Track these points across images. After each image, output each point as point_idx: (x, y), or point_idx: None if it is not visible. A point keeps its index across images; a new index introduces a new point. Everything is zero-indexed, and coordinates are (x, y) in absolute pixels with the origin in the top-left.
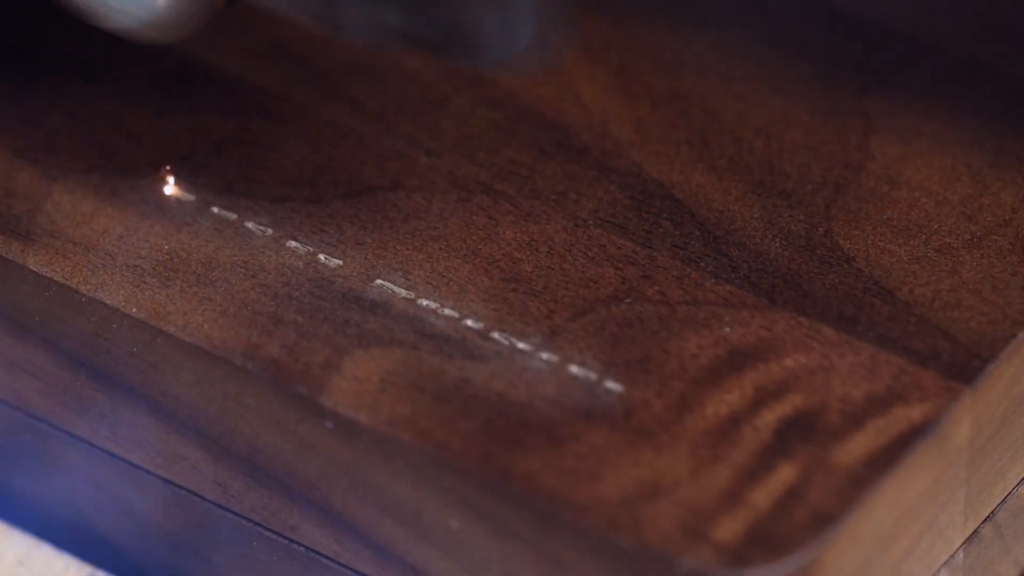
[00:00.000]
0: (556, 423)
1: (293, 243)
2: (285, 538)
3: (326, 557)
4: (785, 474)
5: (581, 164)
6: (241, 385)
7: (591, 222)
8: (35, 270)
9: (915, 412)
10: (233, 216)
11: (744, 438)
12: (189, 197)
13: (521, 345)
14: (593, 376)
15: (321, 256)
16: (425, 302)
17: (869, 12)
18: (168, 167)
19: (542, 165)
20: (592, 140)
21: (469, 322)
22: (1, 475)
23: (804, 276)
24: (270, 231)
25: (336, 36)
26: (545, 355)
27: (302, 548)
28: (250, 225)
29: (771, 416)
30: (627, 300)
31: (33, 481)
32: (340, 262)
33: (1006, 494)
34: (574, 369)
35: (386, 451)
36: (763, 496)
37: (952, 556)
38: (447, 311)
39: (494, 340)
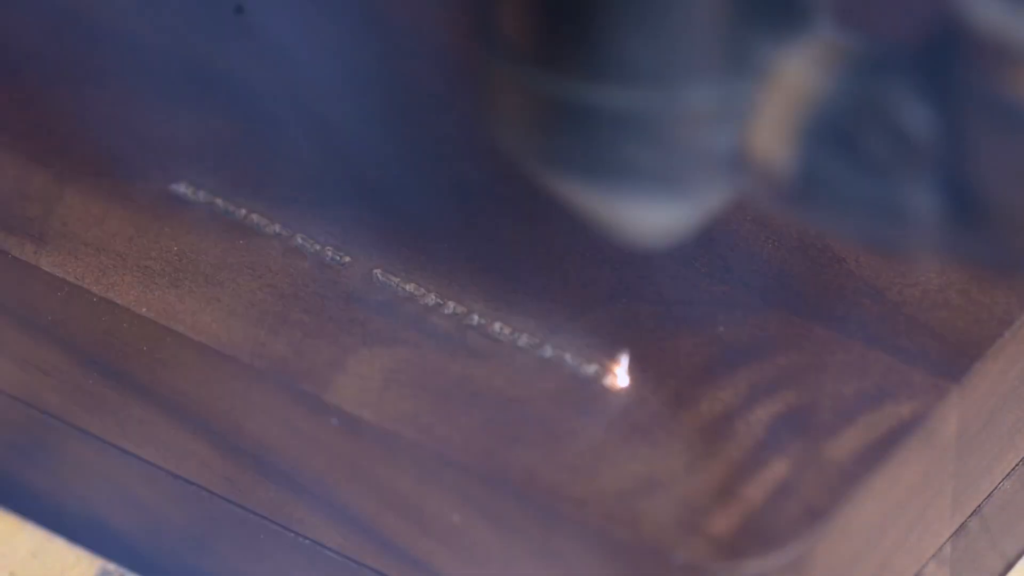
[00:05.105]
0: (555, 420)
1: (299, 244)
2: (291, 531)
3: (331, 550)
4: (777, 469)
5: None
6: (248, 382)
7: (589, 224)
8: (48, 271)
9: (904, 409)
10: (240, 218)
11: (738, 434)
12: (197, 200)
13: (521, 343)
14: (591, 374)
15: (326, 257)
16: (427, 302)
17: (861, 18)
18: (177, 170)
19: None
20: None
21: (470, 321)
22: (15, 470)
23: (796, 276)
24: (276, 233)
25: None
26: (544, 353)
27: (307, 541)
28: (257, 227)
29: (764, 413)
30: (624, 300)
31: (46, 476)
32: (344, 263)
33: (992, 488)
34: (572, 367)
35: (389, 447)
36: (756, 491)
37: (940, 549)
38: (449, 310)
39: (494, 339)
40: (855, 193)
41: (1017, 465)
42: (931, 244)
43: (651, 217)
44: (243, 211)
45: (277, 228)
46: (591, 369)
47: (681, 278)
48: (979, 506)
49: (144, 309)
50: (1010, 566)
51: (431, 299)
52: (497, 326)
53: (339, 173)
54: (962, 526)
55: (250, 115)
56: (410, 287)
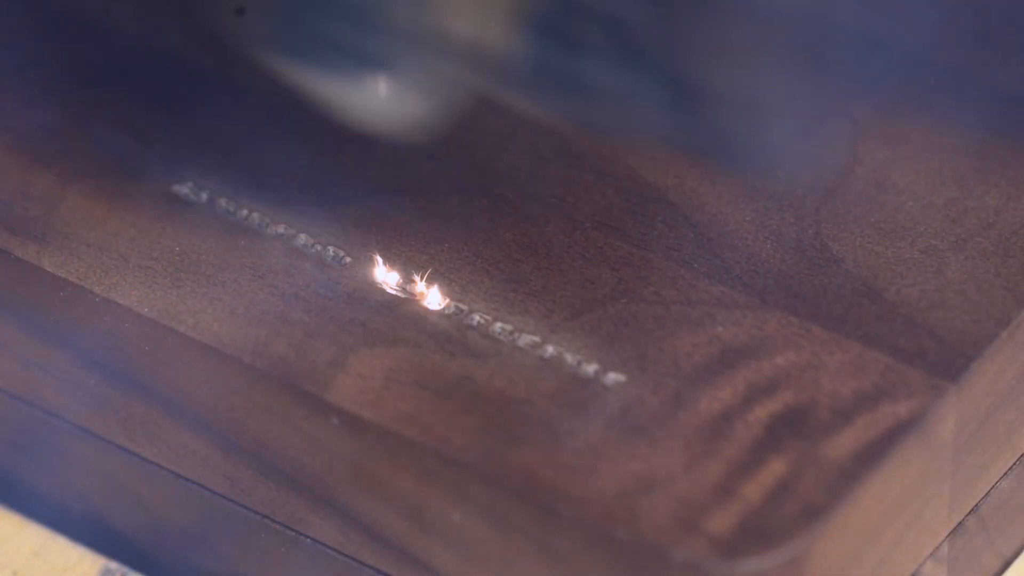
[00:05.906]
0: (554, 419)
1: (300, 245)
2: (292, 530)
3: (331, 549)
4: (776, 468)
5: (579, 168)
6: (250, 382)
7: (588, 225)
8: (50, 271)
9: (902, 408)
10: (241, 219)
11: (736, 433)
12: (199, 200)
13: (521, 343)
14: (590, 373)
15: (327, 257)
16: (428, 302)
17: (859, 20)
18: (178, 171)
19: (541, 169)
20: (589, 145)
21: (470, 321)
22: (18, 469)
23: (794, 277)
24: (277, 233)
25: (600, 138)
26: (544, 353)
27: (308, 540)
28: (258, 227)
29: (762, 412)
30: (623, 300)
31: (48, 475)
32: (345, 263)
33: (990, 487)
34: (572, 367)
35: (390, 446)
36: (755, 490)
37: (937, 548)
38: (449, 310)
39: (494, 339)
40: (575, 78)
41: (1014, 464)
42: (648, 128)
43: (369, 99)
44: (244, 211)
45: (278, 228)
46: (591, 369)
47: (680, 278)
48: (976, 505)
49: (146, 309)
50: (1007, 565)
51: (431, 300)
52: (497, 326)
53: (339, 173)
54: (959, 525)
55: (251, 117)
56: (410, 288)
